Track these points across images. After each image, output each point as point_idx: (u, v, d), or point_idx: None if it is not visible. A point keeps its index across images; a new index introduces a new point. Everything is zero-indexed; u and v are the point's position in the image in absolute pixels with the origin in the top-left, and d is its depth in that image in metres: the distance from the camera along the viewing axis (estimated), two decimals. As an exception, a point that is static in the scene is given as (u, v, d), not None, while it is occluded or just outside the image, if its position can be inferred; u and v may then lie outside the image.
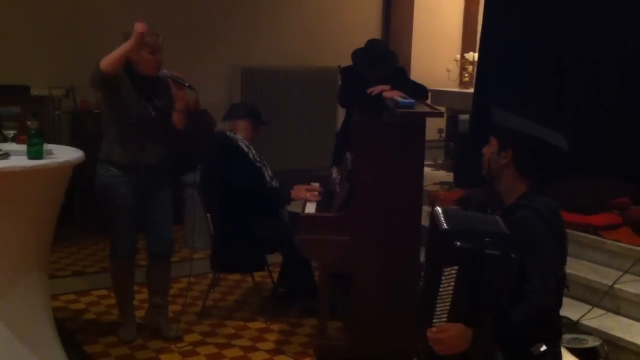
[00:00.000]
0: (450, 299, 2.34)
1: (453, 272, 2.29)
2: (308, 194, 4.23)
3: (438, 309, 2.37)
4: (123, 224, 3.84)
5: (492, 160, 2.63)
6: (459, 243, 2.27)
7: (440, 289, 2.34)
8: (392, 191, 3.67)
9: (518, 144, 2.57)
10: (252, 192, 4.23)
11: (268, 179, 4.41)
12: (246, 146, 4.33)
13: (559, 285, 2.57)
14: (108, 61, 3.53)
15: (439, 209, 2.47)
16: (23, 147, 3.23)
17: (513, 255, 2.27)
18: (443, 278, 2.32)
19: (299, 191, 4.27)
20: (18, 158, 3.16)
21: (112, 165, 3.77)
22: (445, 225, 2.37)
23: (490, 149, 2.65)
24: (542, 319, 2.43)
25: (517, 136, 2.58)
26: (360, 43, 4.81)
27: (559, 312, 2.63)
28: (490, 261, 2.26)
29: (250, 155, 4.32)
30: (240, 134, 4.36)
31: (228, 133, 4.35)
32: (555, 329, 2.59)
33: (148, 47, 3.69)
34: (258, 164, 4.35)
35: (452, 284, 2.30)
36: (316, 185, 4.47)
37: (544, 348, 2.49)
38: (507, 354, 2.49)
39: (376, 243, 3.70)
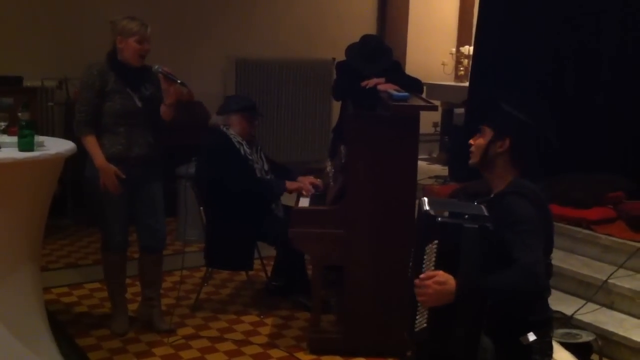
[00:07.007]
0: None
1: (434, 246, 2.36)
2: (303, 187, 4.22)
3: None
4: (114, 216, 3.81)
5: (486, 148, 2.63)
6: (439, 219, 2.38)
7: (423, 267, 2.40)
8: (385, 184, 3.66)
9: (517, 132, 2.60)
10: (242, 190, 4.18)
11: (261, 174, 4.34)
12: (238, 142, 4.26)
13: (546, 273, 2.56)
14: (83, 141, 3.68)
15: (425, 198, 2.52)
16: (14, 139, 3.20)
17: (488, 225, 2.34)
18: (425, 256, 2.39)
19: (294, 184, 4.26)
20: (9, 150, 3.13)
21: (101, 157, 3.74)
22: (427, 208, 2.43)
23: (484, 139, 2.66)
24: (528, 279, 2.38)
25: (515, 124, 2.61)
26: (355, 35, 4.78)
27: (547, 299, 2.62)
28: (470, 233, 2.32)
29: (242, 152, 4.26)
30: (235, 128, 4.31)
31: (221, 128, 4.31)
32: (545, 317, 2.59)
33: (136, 35, 3.66)
34: (250, 161, 4.29)
35: (434, 259, 2.37)
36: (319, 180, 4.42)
37: (533, 338, 2.50)
38: (497, 343, 2.50)
39: (370, 236, 3.69)
